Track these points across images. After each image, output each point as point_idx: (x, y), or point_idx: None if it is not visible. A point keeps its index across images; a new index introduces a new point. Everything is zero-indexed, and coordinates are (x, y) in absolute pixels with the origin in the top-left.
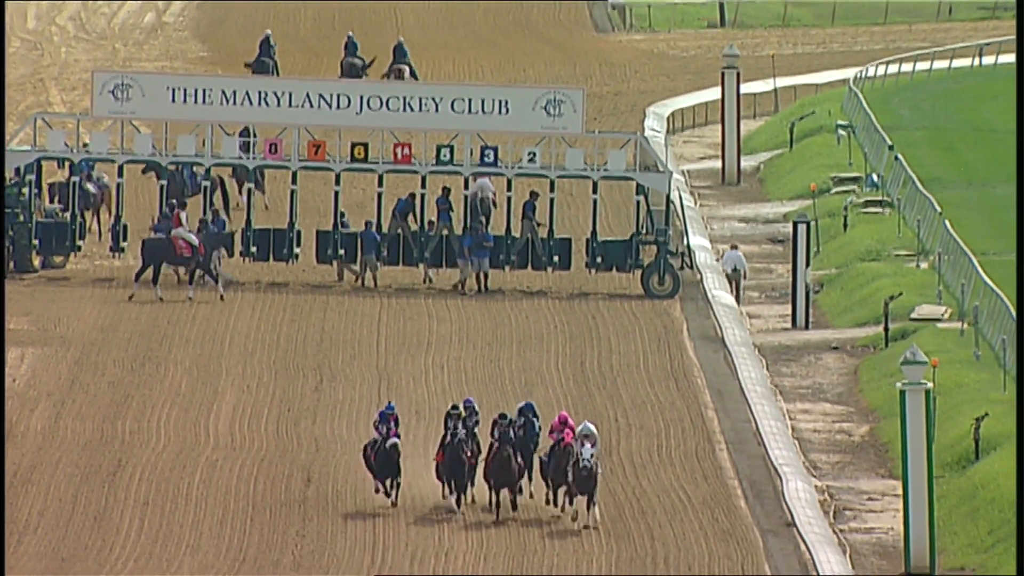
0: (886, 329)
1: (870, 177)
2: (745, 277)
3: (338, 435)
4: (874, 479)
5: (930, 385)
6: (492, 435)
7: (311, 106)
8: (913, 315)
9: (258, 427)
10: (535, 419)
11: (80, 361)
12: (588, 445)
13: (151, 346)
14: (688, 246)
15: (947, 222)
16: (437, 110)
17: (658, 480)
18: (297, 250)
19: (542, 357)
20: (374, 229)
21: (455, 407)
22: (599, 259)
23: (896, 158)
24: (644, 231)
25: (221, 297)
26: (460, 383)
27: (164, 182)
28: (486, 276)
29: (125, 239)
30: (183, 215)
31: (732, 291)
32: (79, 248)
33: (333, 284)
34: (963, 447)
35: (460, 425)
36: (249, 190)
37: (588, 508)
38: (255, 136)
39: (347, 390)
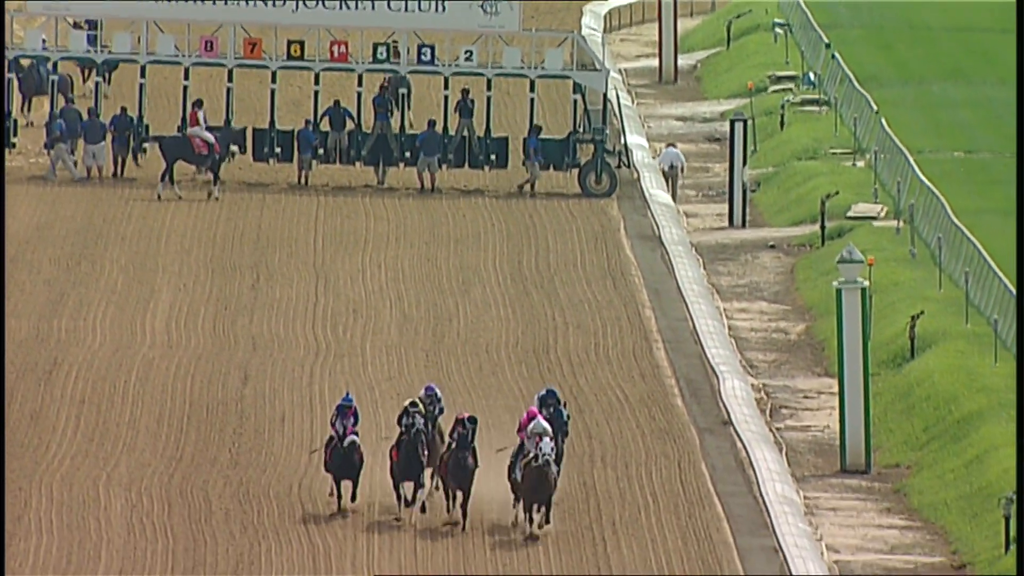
0: (822, 227)
1: (807, 76)
2: (683, 172)
3: (275, 333)
4: (810, 377)
5: (866, 283)
6: (451, 435)
7: (247, 3)
8: (849, 213)
9: (195, 325)
10: (562, 407)
11: (15, 259)
12: (547, 440)
13: (87, 244)
14: (625, 145)
15: (883, 120)
16: (373, 8)
17: (595, 378)
18: (234, 148)
19: (479, 256)
20: (310, 128)
21: (414, 403)
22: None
23: (833, 56)
24: (581, 130)
25: (216, 198)
26: (397, 281)
27: (19, 76)
28: (433, 177)
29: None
30: (200, 114)
31: (669, 188)
32: (14, 145)
33: (270, 183)
34: (899, 345)
35: (419, 418)
36: (97, 83)
37: (539, 512)
38: (101, 29)
39: (284, 288)
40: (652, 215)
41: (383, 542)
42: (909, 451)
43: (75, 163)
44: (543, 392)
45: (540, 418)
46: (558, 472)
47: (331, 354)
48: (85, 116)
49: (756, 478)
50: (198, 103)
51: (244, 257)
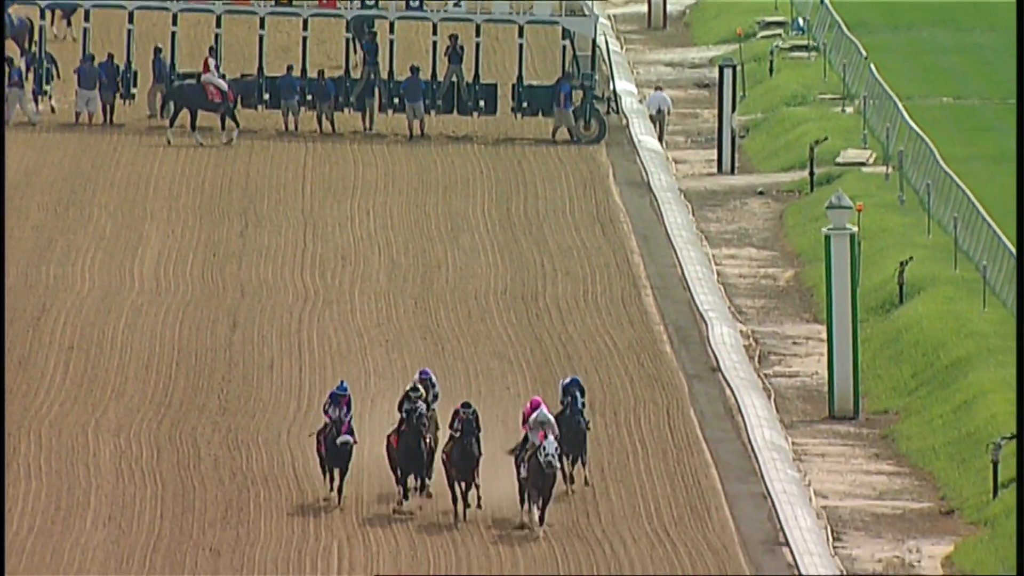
0: (811, 174)
1: (796, 21)
2: (670, 115)
3: (263, 280)
4: (799, 323)
5: (855, 229)
6: (451, 426)
7: None
8: (838, 159)
9: (183, 272)
10: (580, 395)
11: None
12: (551, 436)
13: (75, 190)
14: (614, 91)
15: (872, 66)
16: None
17: (584, 325)
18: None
19: (468, 202)
20: (296, 74)
21: (415, 388)
22: (525, 104)
23: (822, 2)
24: (570, 76)
25: (230, 142)
26: (386, 228)
27: None
28: (422, 123)
29: (48, 82)
30: (211, 61)
31: (657, 132)
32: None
33: (259, 129)
34: (887, 291)
35: (421, 404)
36: (85, 29)
37: (543, 509)
38: None
39: (272, 235)
40: (641, 161)
41: (374, 520)
42: (897, 397)
43: (26, 105)
44: (567, 380)
45: (544, 408)
46: (582, 464)
47: (320, 301)
48: (60, 60)
49: (744, 424)
50: (211, 50)
51: (232, 204)
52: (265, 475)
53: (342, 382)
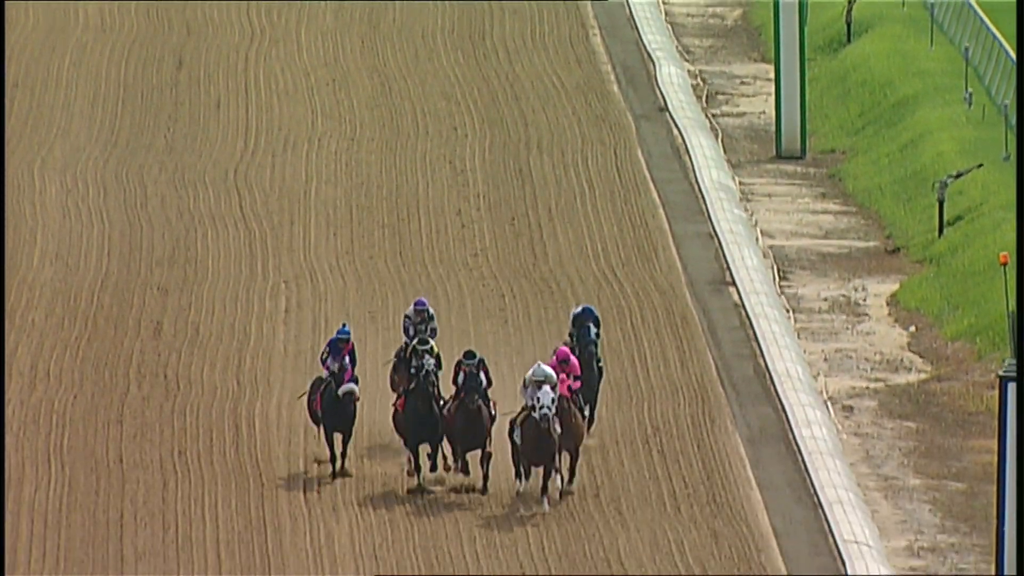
0: None
1: None
2: None
3: (209, 18)
4: (746, 63)
5: None
6: (455, 381)
7: None
8: None
9: (128, 8)
10: (593, 325)
11: None
12: (546, 388)
13: None
14: None
15: None
16: None
17: (531, 65)
18: None
19: None
20: None
21: (423, 341)
22: None
23: None
24: None
25: None
26: None
27: None
28: None
29: None
30: None
31: None
32: None
33: None
34: (835, 29)
35: (429, 359)
36: None
37: (546, 479)
38: None
39: None
40: None
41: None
42: (844, 136)
43: None
44: (579, 309)
45: (541, 363)
46: (590, 417)
47: (266, 39)
48: None
49: (692, 164)
50: None
51: None
52: (212, 214)
53: (344, 325)
